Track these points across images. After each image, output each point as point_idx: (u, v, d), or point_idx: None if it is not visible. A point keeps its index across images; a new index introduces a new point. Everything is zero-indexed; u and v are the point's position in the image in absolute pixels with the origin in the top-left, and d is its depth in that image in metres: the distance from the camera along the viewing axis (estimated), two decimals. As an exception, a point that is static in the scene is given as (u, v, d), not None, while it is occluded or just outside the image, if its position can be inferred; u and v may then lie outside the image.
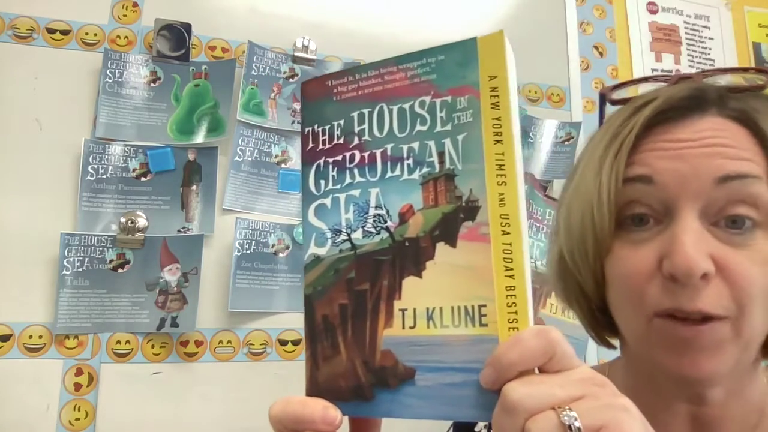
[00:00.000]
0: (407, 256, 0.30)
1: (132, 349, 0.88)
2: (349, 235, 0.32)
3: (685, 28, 1.36)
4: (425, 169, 0.31)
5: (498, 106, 0.30)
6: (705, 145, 0.39)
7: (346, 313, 0.31)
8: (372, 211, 0.32)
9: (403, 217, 0.31)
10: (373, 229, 0.31)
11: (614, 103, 0.47)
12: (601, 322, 0.46)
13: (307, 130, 0.34)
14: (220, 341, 0.92)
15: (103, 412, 0.85)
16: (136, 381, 0.87)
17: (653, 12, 1.35)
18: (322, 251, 0.32)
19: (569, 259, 0.43)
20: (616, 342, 0.50)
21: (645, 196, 0.39)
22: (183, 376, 0.90)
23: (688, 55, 1.35)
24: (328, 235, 0.32)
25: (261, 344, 0.94)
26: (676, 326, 0.37)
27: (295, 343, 0.95)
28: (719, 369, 0.37)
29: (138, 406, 0.87)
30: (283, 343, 0.95)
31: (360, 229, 0.32)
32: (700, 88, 0.41)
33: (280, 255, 0.97)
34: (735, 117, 0.39)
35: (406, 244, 0.30)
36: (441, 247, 0.30)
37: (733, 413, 0.42)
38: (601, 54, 1.27)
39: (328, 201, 0.33)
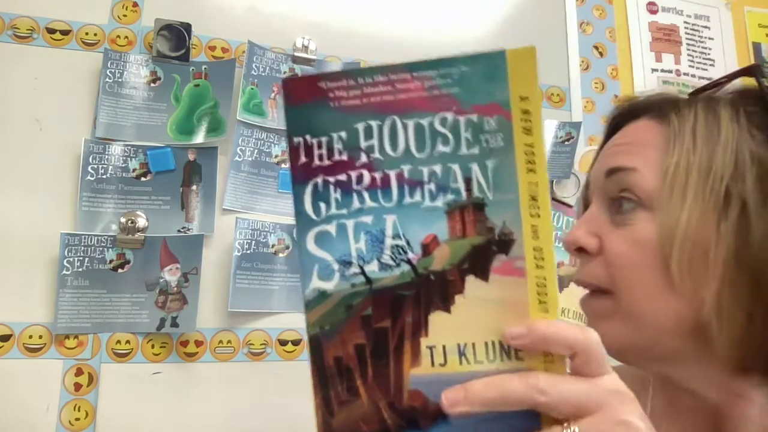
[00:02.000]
0: (433, 290, 0.28)
1: (132, 349, 0.88)
2: (361, 267, 0.28)
3: (685, 28, 1.36)
4: (450, 197, 0.28)
5: (530, 131, 0.27)
6: (614, 145, 0.45)
7: (365, 353, 0.29)
8: (389, 241, 0.28)
9: (427, 249, 0.28)
10: (391, 261, 0.28)
11: None
12: None
13: (296, 140, 0.29)
14: (220, 341, 0.92)
15: (103, 412, 0.85)
16: (136, 381, 0.87)
17: (653, 12, 1.35)
18: (328, 285, 0.29)
19: None
20: None
21: (590, 193, 0.47)
22: (183, 376, 0.90)
23: (688, 55, 1.35)
24: (335, 267, 0.29)
25: (261, 344, 0.94)
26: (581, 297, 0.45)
27: (295, 343, 0.95)
28: (606, 339, 0.36)
29: (138, 406, 0.87)
30: (283, 343, 0.95)
31: (375, 261, 0.28)
32: (637, 99, 0.48)
33: (280, 255, 0.97)
34: (657, 116, 0.44)
35: (432, 277, 0.28)
36: (471, 281, 0.28)
37: (752, 417, 0.42)
38: (601, 54, 1.27)
39: (332, 228, 0.29)
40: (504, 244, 0.28)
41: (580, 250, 0.43)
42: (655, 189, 0.40)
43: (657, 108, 0.44)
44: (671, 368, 0.43)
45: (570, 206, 1.13)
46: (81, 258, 0.87)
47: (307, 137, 0.28)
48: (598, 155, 0.48)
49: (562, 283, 1.09)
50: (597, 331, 0.29)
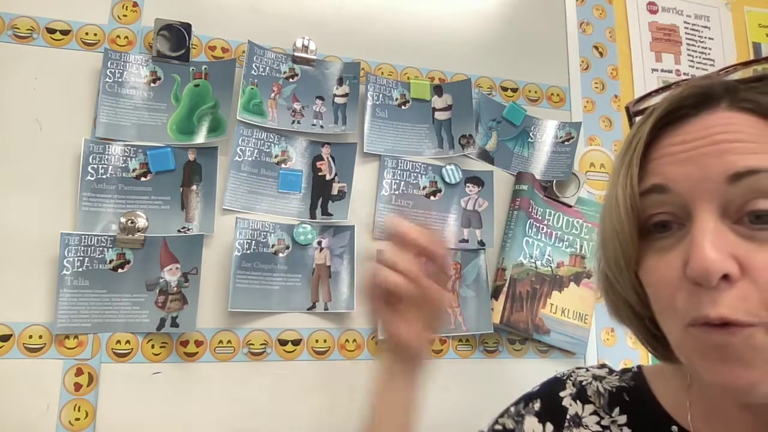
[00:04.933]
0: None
1: (132, 349, 0.88)
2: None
3: (685, 28, 1.36)
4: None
5: None
6: (714, 143, 0.37)
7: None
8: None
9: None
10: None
11: (635, 114, 0.46)
12: (654, 334, 0.45)
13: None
14: (220, 341, 0.92)
15: (103, 412, 0.85)
16: (136, 381, 0.87)
17: (653, 12, 1.35)
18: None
19: (609, 273, 0.44)
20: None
21: (663, 204, 0.39)
22: (183, 376, 0.90)
23: (688, 55, 1.35)
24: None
25: (261, 344, 0.94)
26: (709, 333, 0.35)
27: (295, 343, 0.95)
28: (761, 380, 0.34)
29: (138, 406, 0.87)
30: (283, 343, 0.95)
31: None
32: (706, 84, 0.40)
33: (280, 255, 0.97)
34: (748, 108, 0.38)
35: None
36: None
37: None
38: (601, 54, 1.27)
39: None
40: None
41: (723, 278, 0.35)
42: None
43: (737, 97, 0.39)
44: None
45: (570, 206, 1.13)
46: (81, 258, 0.87)
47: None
48: (666, 156, 0.40)
49: (563, 283, 1.09)
50: (748, 374, 0.30)
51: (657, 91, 0.45)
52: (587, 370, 0.60)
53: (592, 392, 0.56)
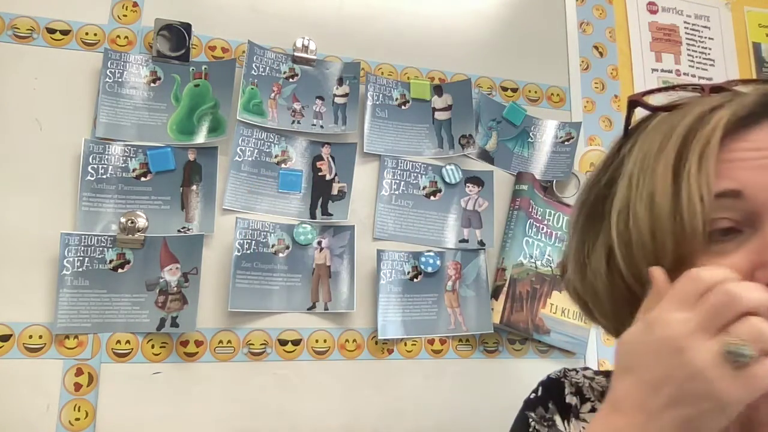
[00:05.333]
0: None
1: (132, 349, 0.88)
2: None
3: (685, 28, 1.36)
4: None
5: None
6: None
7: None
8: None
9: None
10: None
11: (656, 109, 0.46)
12: None
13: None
14: (220, 341, 0.92)
15: (103, 412, 0.85)
16: (136, 381, 0.87)
17: (653, 12, 1.35)
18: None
19: (631, 272, 0.42)
20: None
21: (732, 209, 0.39)
22: (183, 376, 0.90)
23: (688, 55, 1.35)
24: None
25: (261, 344, 0.94)
26: None
27: (295, 343, 0.95)
28: None
29: (138, 406, 0.87)
30: (283, 343, 0.95)
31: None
32: None
33: (280, 255, 0.97)
34: None
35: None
36: None
37: None
38: (601, 54, 1.27)
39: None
40: None
41: None
42: None
43: None
44: None
45: (570, 206, 1.13)
46: (81, 258, 0.87)
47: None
48: (739, 161, 0.40)
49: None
50: None
51: (662, 90, 0.45)
52: (577, 371, 0.61)
53: (587, 390, 0.57)
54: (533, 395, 0.62)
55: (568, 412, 0.57)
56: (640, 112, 0.49)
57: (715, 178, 0.39)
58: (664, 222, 0.40)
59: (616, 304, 0.45)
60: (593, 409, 0.55)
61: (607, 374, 0.60)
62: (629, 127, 0.49)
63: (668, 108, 0.45)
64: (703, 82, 0.47)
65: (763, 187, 0.38)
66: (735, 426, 0.43)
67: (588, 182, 0.51)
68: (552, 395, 0.60)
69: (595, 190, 0.49)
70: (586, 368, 0.62)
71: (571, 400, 0.57)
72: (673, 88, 0.46)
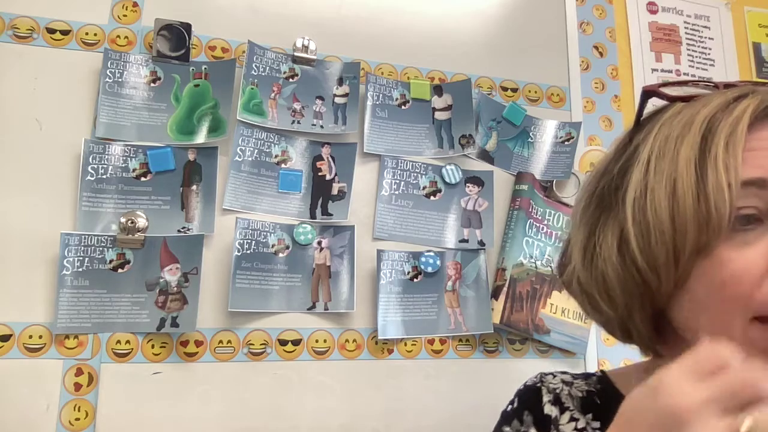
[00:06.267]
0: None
1: (132, 349, 0.88)
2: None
3: (685, 28, 1.36)
4: None
5: None
6: None
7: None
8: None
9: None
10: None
11: (674, 99, 0.45)
12: (654, 327, 0.44)
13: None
14: (220, 341, 0.92)
15: (103, 412, 0.85)
16: (136, 381, 0.87)
17: (653, 12, 1.35)
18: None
19: (646, 260, 0.41)
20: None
21: (756, 198, 0.39)
22: (183, 376, 0.90)
23: (688, 55, 1.35)
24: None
25: (261, 344, 0.94)
26: None
27: (295, 343, 0.95)
28: None
29: (138, 406, 0.87)
30: (283, 343, 0.95)
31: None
32: None
33: (280, 255, 0.97)
34: None
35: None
36: None
37: None
38: (601, 54, 1.27)
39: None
40: None
41: None
42: None
43: None
44: None
45: (570, 206, 1.13)
46: (81, 258, 0.87)
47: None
48: (765, 149, 0.40)
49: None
50: None
51: (677, 83, 0.45)
52: (554, 376, 0.60)
53: (565, 397, 0.56)
54: (509, 407, 0.60)
55: (547, 424, 0.55)
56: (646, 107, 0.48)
57: (742, 166, 0.39)
58: (686, 207, 0.39)
59: (627, 293, 0.44)
60: (572, 419, 0.54)
61: (587, 376, 0.58)
62: (641, 118, 0.48)
63: (686, 98, 0.45)
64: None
65: None
66: None
67: (596, 173, 0.50)
68: (527, 405, 0.58)
69: (605, 180, 0.48)
70: (564, 372, 0.60)
71: (550, 410, 0.55)
72: (686, 83, 0.46)
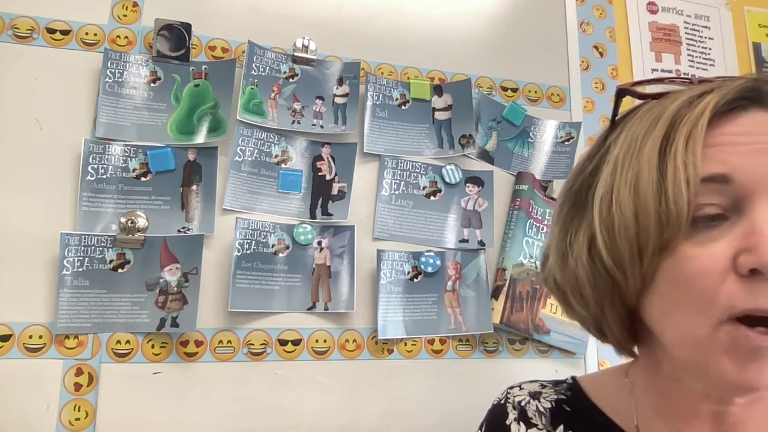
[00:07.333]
0: None
1: (132, 349, 0.88)
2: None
3: (685, 28, 1.36)
4: None
5: None
6: None
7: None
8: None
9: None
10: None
11: (644, 96, 0.45)
12: (627, 327, 0.44)
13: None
14: (220, 341, 0.92)
15: (103, 412, 0.85)
16: (136, 381, 0.87)
17: (653, 12, 1.35)
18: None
19: (612, 258, 0.41)
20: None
21: (718, 194, 0.38)
22: (183, 376, 0.90)
23: (688, 55, 1.35)
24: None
25: (261, 344, 0.94)
26: (749, 334, 0.35)
27: (295, 343, 0.95)
28: None
29: (138, 406, 0.87)
30: (283, 343, 0.95)
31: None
32: (757, 80, 0.40)
33: (280, 255, 0.97)
34: None
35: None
36: None
37: (758, 414, 0.42)
38: (601, 54, 1.27)
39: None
40: None
41: None
42: None
43: None
44: None
45: (570, 206, 1.13)
46: (81, 258, 0.87)
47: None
48: (727, 145, 0.39)
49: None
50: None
51: (650, 81, 0.45)
52: (521, 388, 0.59)
53: (532, 413, 0.55)
54: (479, 426, 0.60)
55: None
56: (624, 106, 0.48)
57: (703, 162, 0.38)
58: (648, 204, 0.39)
59: (597, 291, 0.44)
60: None
61: (557, 383, 0.58)
62: (616, 118, 0.48)
63: (657, 96, 0.44)
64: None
65: (751, 171, 0.37)
66: (705, 426, 0.43)
67: (573, 173, 0.50)
68: (492, 427, 0.58)
69: (579, 179, 0.48)
70: (533, 381, 0.60)
71: (516, 428, 0.55)
72: (662, 80, 0.45)
